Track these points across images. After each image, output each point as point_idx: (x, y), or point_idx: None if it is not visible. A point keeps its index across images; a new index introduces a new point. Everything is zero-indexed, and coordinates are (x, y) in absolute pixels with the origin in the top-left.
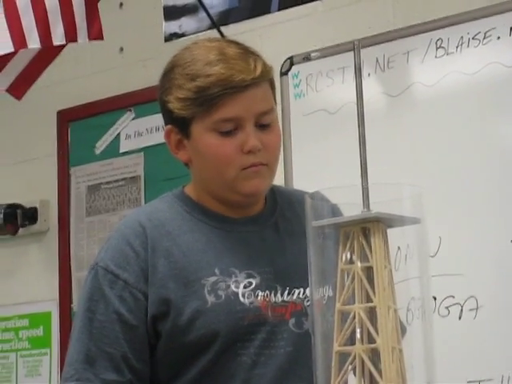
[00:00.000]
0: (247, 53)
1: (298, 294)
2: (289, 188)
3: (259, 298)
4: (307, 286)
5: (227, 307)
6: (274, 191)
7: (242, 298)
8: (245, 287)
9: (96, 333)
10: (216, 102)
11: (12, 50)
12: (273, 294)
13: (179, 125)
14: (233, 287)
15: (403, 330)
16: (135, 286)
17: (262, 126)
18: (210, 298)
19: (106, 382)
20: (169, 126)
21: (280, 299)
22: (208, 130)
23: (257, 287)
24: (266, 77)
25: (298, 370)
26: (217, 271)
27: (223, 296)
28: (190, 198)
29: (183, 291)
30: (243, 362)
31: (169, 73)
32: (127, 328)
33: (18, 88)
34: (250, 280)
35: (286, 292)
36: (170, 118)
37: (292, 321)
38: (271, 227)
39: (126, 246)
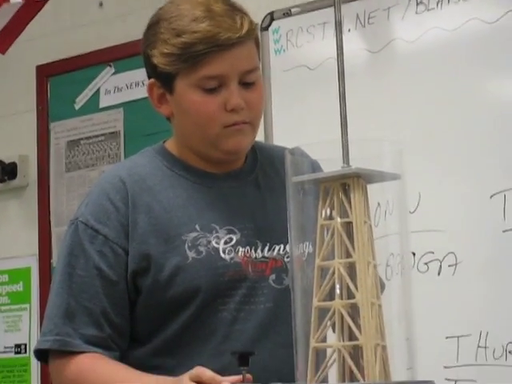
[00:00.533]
0: (234, 10)
1: (279, 250)
2: (269, 144)
3: (240, 253)
4: (287, 243)
5: (208, 263)
6: (255, 147)
7: (222, 254)
8: (225, 243)
9: (76, 288)
10: (201, 59)
11: None
12: (253, 250)
13: (163, 79)
14: (213, 243)
15: (382, 286)
16: (115, 241)
17: (246, 84)
18: (191, 254)
19: (85, 337)
20: (151, 80)
21: (260, 255)
22: (192, 86)
23: (237, 243)
24: (251, 35)
25: (277, 325)
26: (197, 227)
27: (204, 252)
28: (170, 153)
29: (164, 247)
30: (223, 318)
31: (154, 26)
32: (107, 283)
33: (2, 42)
34: (231, 236)
35: (267, 248)
36: (153, 72)
37: (272, 277)
38: (252, 183)
39: (106, 201)
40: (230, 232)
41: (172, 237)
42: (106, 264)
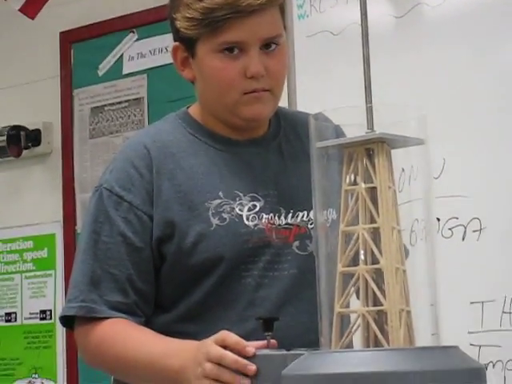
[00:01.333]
0: None
1: (302, 216)
2: (293, 110)
3: (263, 220)
4: (311, 209)
5: (232, 230)
6: (278, 114)
7: (246, 221)
8: (249, 210)
9: (101, 254)
10: (221, 25)
11: None
12: (277, 217)
13: (185, 43)
14: (237, 210)
15: (406, 253)
16: (140, 207)
17: (268, 51)
18: (215, 221)
19: (110, 304)
20: (176, 43)
21: (284, 222)
22: (212, 51)
23: (261, 210)
24: (274, 2)
25: (301, 291)
26: (221, 194)
27: (228, 219)
28: (194, 119)
29: (187, 214)
30: (247, 284)
31: None
32: (132, 249)
33: (31, 7)
34: (255, 203)
35: (290, 215)
36: (177, 35)
37: (296, 243)
38: (275, 150)
39: (130, 167)
40: (253, 199)
41: (195, 204)
42: (131, 230)
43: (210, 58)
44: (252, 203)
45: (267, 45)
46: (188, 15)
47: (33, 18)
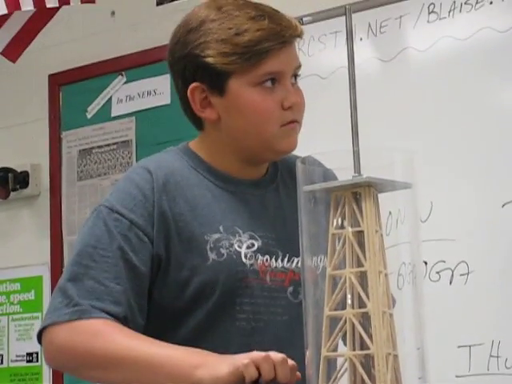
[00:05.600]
0: (278, 11)
1: (297, 262)
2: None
3: (259, 261)
4: None
5: (228, 266)
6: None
7: (244, 259)
8: (247, 247)
9: (95, 267)
10: (265, 56)
11: (5, 11)
12: (274, 259)
13: (211, 81)
14: (236, 246)
15: (393, 302)
16: (142, 228)
17: (294, 84)
18: (212, 256)
19: (105, 310)
20: (195, 84)
21: (280, 265)
22: (249, 84)
23: (258, 250)
24: (303, 34)
25: (293, 338)
26: (221, 228)
27: (225, 254)
28: (195, 153)
29: (186, 245)
30: (241, 327)
31: (199, 27)
32: (130, 267)
33: (13, 50)
34: (253, 241)
35: (286, 259)
36: (200, 74)
37: (290, 289)
38: (273, 192)
39: (134, 188)
40: (251, 237)
41: (195, 235)
42: (130, 249)
43: (247, 92)
44: (251, 241)
45: (294, 77)
46: (226, 50)
47: (14, 62)
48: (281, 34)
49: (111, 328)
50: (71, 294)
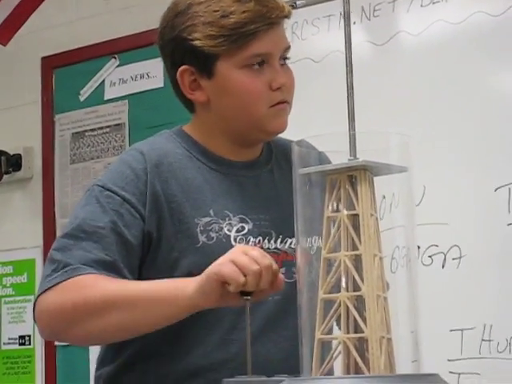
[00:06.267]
0: None
1: (290, 243)
2: (282, 137)
3: (250, 243)
4: None
5: (217, 249)
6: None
7: (233, 242)
8: (237, 231)
9: (86, 238)
10: (251, 38)
11: None
12: (266, 240)
13: (200, 64)
14: (225, 230)
15: (386, 287)
16: (134, 205)
17: (283, 65)
18: (202, 238)
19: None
20: (183, 67)
21: (273, 246)
22: (236, 66)
23: (249, 233)
24: (291, 14)
25: (284, 318)
26: (211, 212)
27: (215, 238)
28: (189, 136)
29: (177, 226)
30: (231, 307)
31: (185, 11)
32: (122, 241)
33: (4, 34)
34: (243, 225)
35: (279, 240)
36: (188, 57)
37: (282, 270)
38: (267, 174)
39: (126, 169)
40: (242, 221)
41: (186, 217)
42: (122, 224)
43: (235, 73)
44: (241, 225)
45: (283, 58)
46: (213, 33)
47: (4, 45)
48: (267, 15)
49: (100, 279)
50: (59, 258)
